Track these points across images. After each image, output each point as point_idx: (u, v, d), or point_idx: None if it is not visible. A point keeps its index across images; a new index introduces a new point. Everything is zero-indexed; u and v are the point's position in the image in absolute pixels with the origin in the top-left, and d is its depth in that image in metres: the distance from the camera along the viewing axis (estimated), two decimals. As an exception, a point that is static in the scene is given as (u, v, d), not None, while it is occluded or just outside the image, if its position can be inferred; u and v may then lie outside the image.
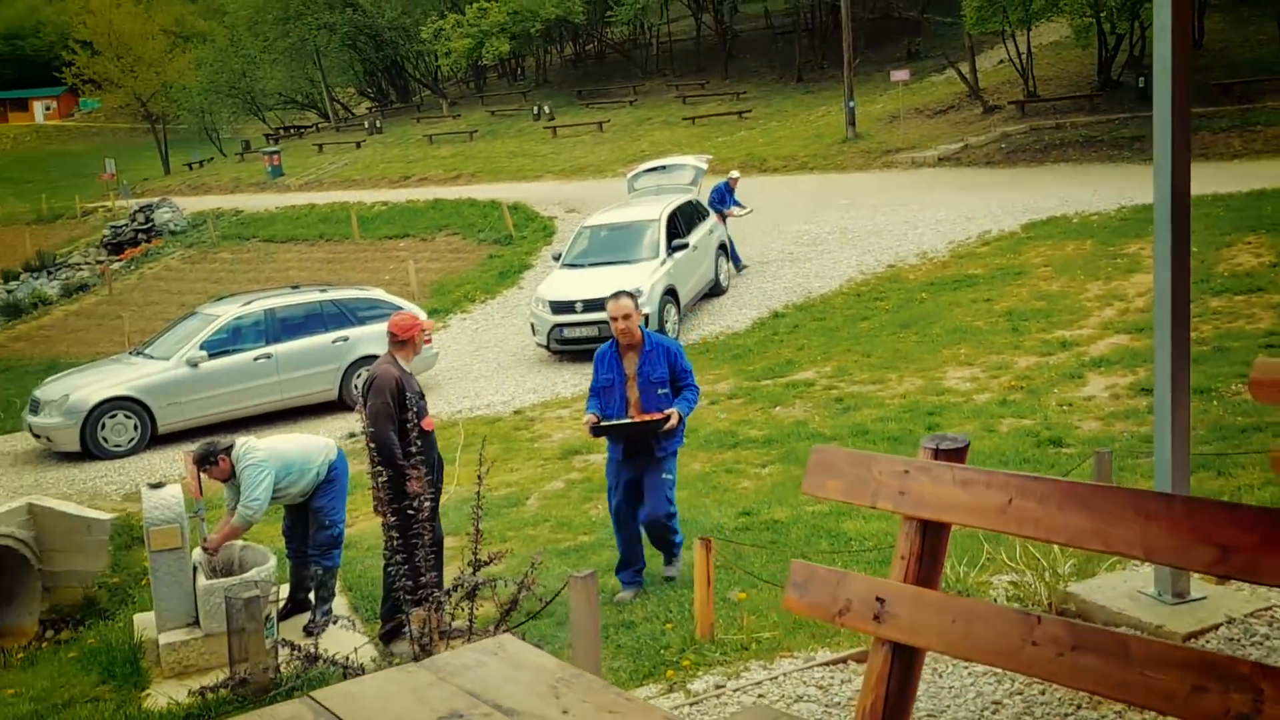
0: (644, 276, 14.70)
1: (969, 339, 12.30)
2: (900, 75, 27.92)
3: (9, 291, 27.79)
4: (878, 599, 2.64)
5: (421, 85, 52.96)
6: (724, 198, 17.93)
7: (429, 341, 6.27)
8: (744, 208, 18.18)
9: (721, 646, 5.17)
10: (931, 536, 2.66)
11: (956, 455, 2.72)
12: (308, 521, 6.94)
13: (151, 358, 13.25)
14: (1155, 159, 4.14)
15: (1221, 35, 26.50)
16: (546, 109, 39.94)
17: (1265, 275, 12.37)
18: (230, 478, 6.74)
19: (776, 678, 4.27)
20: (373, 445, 5.82)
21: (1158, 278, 4.16)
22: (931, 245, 17.03)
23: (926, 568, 2.65)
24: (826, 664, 4.35)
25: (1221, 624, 3.95)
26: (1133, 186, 17.06)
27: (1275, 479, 6.39)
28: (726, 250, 17.48)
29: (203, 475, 6.79)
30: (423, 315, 6.23)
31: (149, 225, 30.30)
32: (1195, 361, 9.83)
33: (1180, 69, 4.08)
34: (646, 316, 14.40)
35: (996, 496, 2.51)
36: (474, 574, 4.43)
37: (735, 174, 18.66)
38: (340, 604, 7.01)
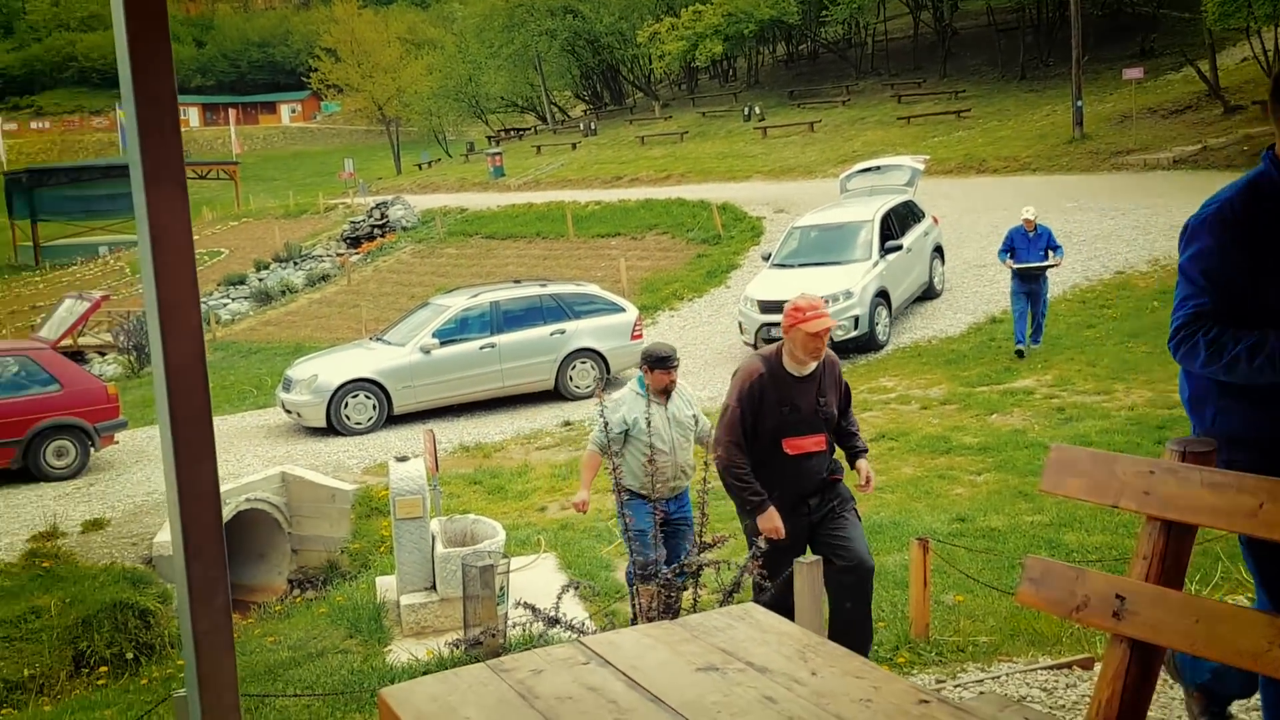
0: (855, 278, 14.63)
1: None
2: (1133, 73, 26.48)
3: (260, 280, 30.28)
4: (1117, 596, 2.67)
5: (635, 88, 54.18)
6: (1015, 246, 12.89)
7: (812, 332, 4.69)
8: (1058, 254, 12.97)
9: (937, 646, 5.20)
10: (1176, 538, 2.67)
11: (1204, 458, 2.72)
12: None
13: (389, 343, 14.24)
14: None
15: None
16: (757, 109, 40.08)
17: None
18: (671, 389, 6.06)
19: (999, 678, 4.30)
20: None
21: None
22: (1165, 251, 16.13)
23: (1170, 568, 2.67)
24: (1050, 668, 4.33)
25: None
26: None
27: None
28: (941, 253, 17.10)
29: (655, 372, 5.97)
30: (815, 303, 4.71)
31: (384, 221, 32.35)
32: None
33: None
34: (856, 318, 14.36)
35: (1247, 500, 2.51)
36: (698, 555, 4.66)
37: (1030, 212, 12.94)
38: (560, 580, 7.37)
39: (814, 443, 4.81)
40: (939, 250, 16.99)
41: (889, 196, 16.64)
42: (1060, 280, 15.87)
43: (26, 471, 12.03)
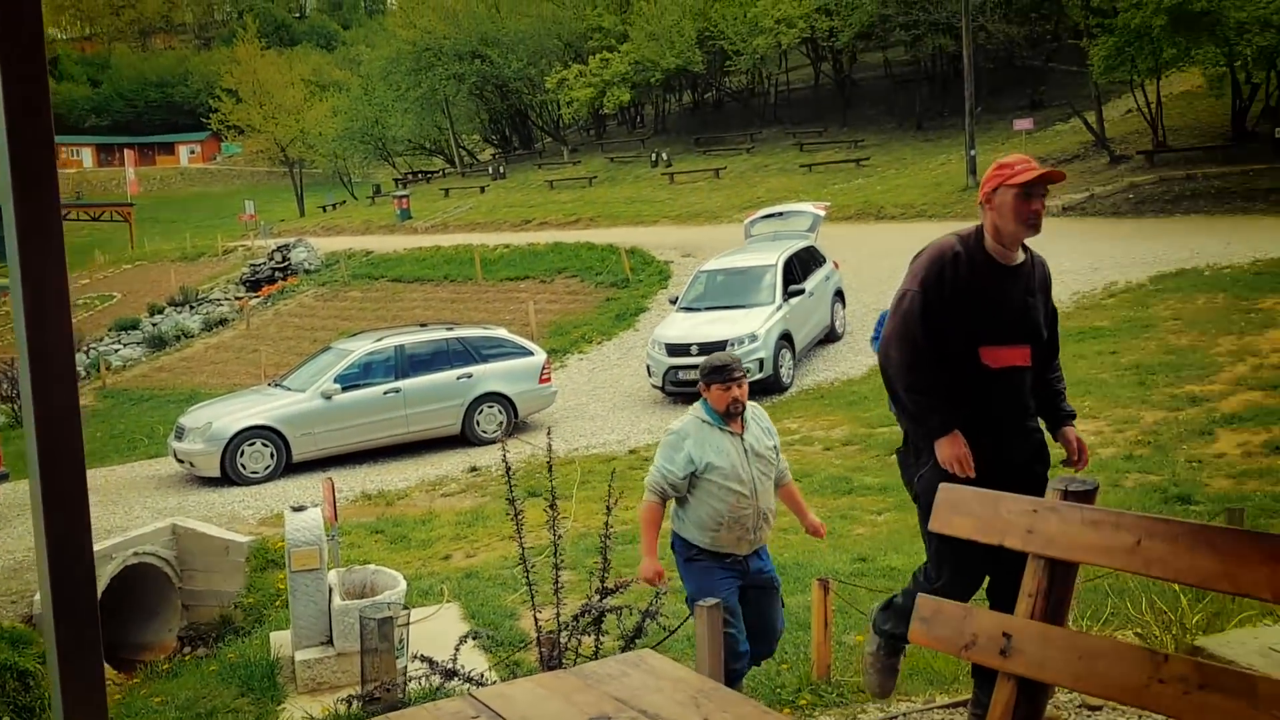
0: (759, 321, 14.84)
1: (1094, 392, 12.06)
2: (1023, 124, 27.61)
3: (154, 325, 29.38)
4: (1004, 634, 2.72)
5: (544, 133, 54.40)
6: None
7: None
8: None
9: (838, 688, 5.22)
10: (1060, 575, 2.73)
11: (1085, 497, 2.79)
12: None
13: (288, 389, 13.91)
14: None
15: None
16: (664, 156, 40.58)
17: None
18: (742, 412, 4.66)
19: (898, 718, 4.32)
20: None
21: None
22: (1055, 296, 16.72)
23: (1054, 605, 2.72)
24: (945, 707, 4.38)
25: (1360, 685, 3.85)
26: (1268, 240, 16.52)
27: None
28: (842, 297, 17.44)
29: (713, 388, 4.57)
30: (1025, 157, 3.78)
31: (285, 264, 31.75)
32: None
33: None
34: (761, 361, 14.54)
35: (1125, 537, 2.57)
36: (600, 601, 4.60)
37: None
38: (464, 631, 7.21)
39: (1019, 355, 3.63)
40: (840, 294, 17.33)
41: (792, 242, 16.96)
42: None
43: (-104, 527, 11.39)
